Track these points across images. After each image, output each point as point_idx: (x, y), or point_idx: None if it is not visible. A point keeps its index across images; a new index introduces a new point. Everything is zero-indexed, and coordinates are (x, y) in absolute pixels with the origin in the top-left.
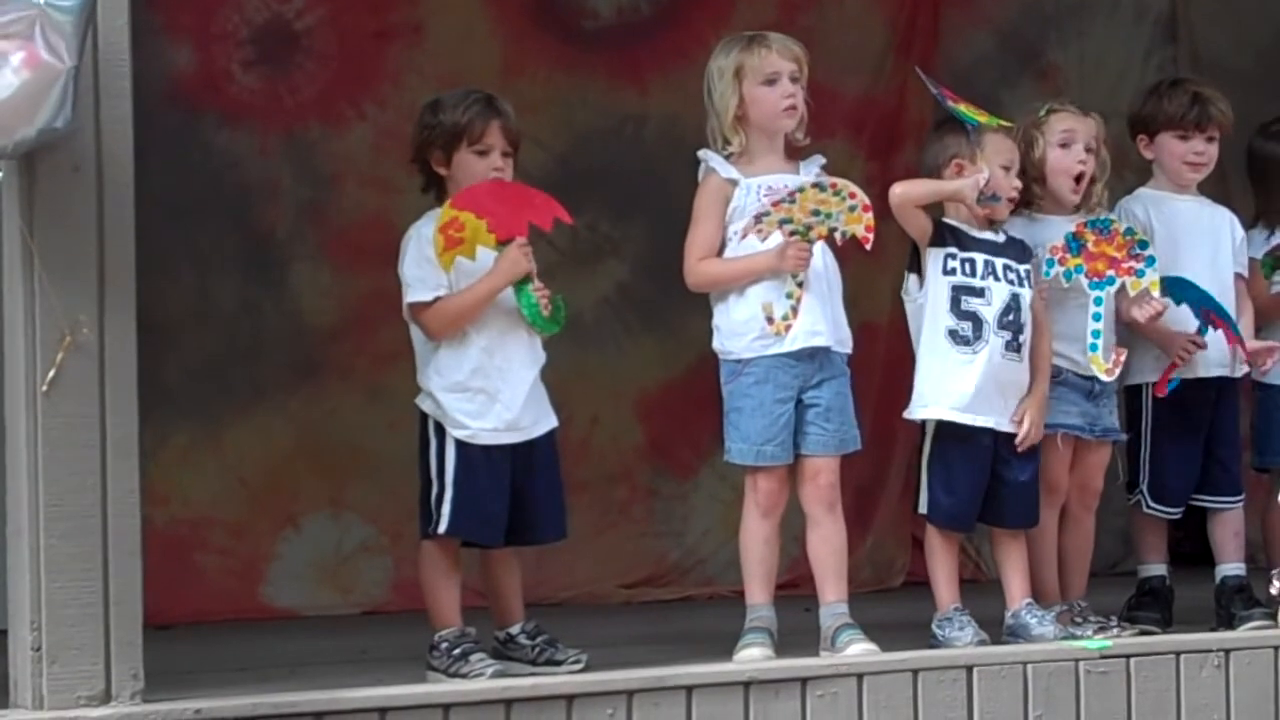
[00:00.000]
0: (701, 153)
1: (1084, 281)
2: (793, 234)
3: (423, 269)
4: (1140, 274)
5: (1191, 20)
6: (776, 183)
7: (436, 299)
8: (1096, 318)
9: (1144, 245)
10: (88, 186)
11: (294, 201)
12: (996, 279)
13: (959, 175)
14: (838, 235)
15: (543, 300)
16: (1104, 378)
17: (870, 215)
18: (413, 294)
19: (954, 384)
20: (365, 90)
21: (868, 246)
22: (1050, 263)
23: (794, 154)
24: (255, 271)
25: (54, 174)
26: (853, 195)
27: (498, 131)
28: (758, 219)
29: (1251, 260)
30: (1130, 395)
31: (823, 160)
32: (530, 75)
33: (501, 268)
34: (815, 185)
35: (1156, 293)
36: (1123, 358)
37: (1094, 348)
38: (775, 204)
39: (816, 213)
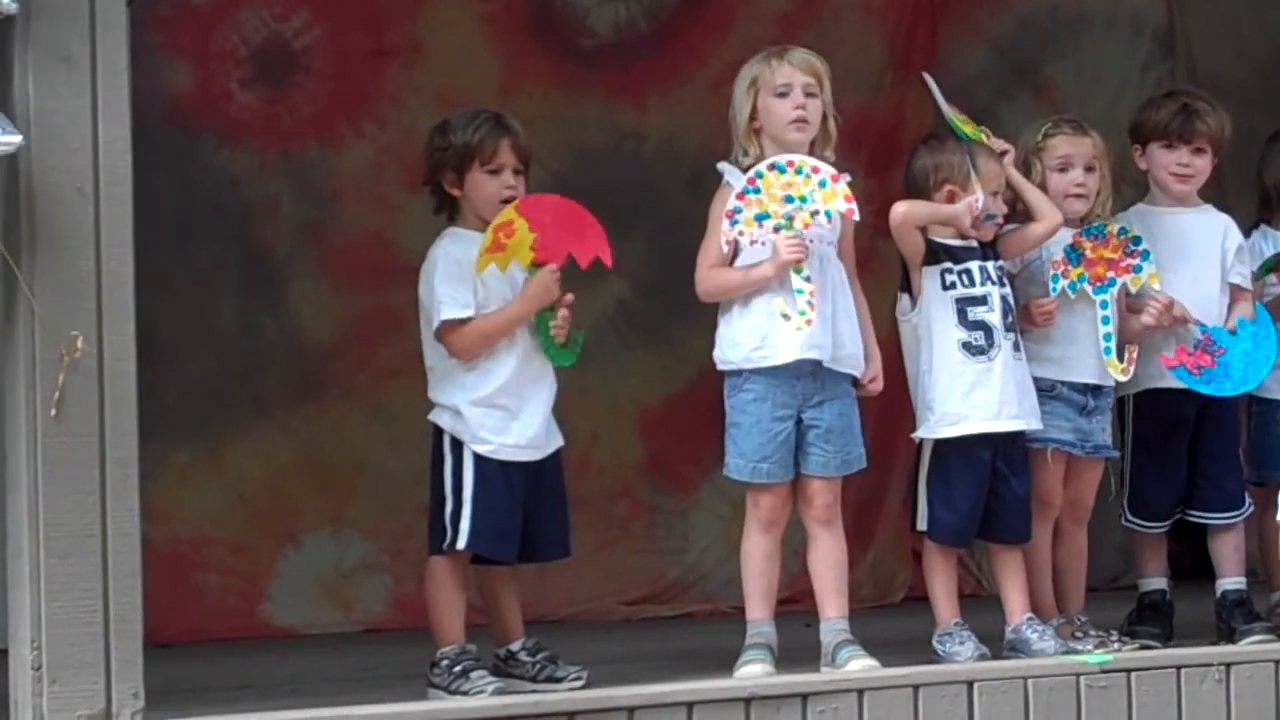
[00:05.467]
0: (720, 165)
1: (1089, 289)
2: (777, 229)
3: (455, 287)
4: (1138, 269)
5: (1189, 34)
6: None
7: (469, 318)
8: (1105, 321)
9: (1137, 241)
10: (87, 205)
11: (293, 220)
12: (993, 283)
13: (950, 201)
14: (821, 217)
15: (558, 330)
16: (1120, 378)
17: (843, 184)
18: (446, 311)
19: (979, 395)
20: (364, 109)
21: (855, 217)
22: (1055, 278)
23: None
24: (255, 290)
25: (54, 193)
26: (816, 170)
27: (508, 150)
28: (731, 218)
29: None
30: (1117, 409)
31: (849, 178)
32: (528, 93)
33: (531, 292)
34: (771, 168)
35: (1157, 285)
36: (1135, 354)
37: (1108, 351)
38: (740, 196)
39: (790, 199)
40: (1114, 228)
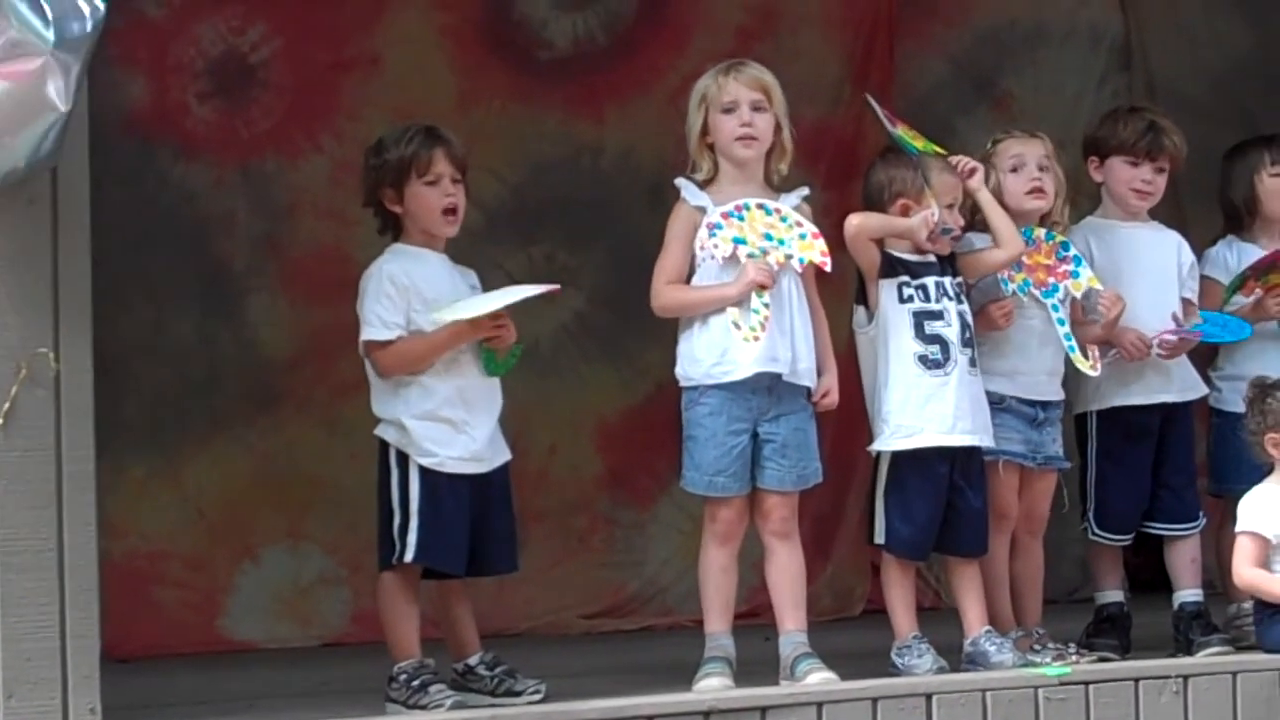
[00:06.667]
0: (677, 180)
1: (1036, 292)
2: (749, 256)
3: (382, 306)
4: (1075, 275)
5: (1146, 48)
6: None
7: (393, 339)
8: (1061, 322)
9: (1066, 246)
10: (43, 218)
11: (250, 233)
12: (950, 298)
13: (904, 214)
14: (794, 262)
15: (496, 345)
16: (1091, 373)
17: (822, 241)
18: (370, 332)
19: (934, 409)
20: (321, 122)
21: (828, 269)
22: (1005, 282)
23: (782, 184)
24: (212, 303)
25: (9, 206)
26: (799, 224)
27: (444, 159)
28: (710, 230)
29: (1205, 280)
30: (1076, 423)
31: (806, 191)
32: (486, 106)
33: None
34: (759, 207)
35: (1099, 285)
36: (1098, 351)
37: (1071, 349)
38: (725, 216)
39: (769, 237)
40: (1040, 232)
